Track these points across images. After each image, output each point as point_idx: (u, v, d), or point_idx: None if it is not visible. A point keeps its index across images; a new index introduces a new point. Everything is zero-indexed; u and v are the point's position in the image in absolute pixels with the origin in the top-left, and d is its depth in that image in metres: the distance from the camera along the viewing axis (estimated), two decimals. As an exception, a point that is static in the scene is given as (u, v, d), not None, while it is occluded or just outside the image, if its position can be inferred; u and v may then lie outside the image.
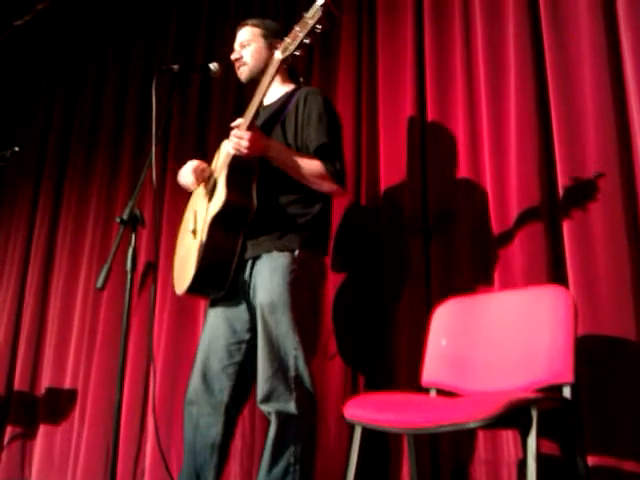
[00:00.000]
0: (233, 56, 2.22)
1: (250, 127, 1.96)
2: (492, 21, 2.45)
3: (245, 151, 1.93)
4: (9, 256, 4.23)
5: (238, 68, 2.22)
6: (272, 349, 1.89)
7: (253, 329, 2.01)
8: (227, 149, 2.01)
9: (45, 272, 3.97)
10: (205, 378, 2.01)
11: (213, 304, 2.12)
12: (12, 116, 4.73)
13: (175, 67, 2.06)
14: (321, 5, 1.80)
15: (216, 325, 2.07)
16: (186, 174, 2.21)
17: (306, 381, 1.89)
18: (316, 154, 2.01)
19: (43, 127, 4.42)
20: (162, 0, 3.99)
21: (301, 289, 1.94)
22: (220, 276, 1.99)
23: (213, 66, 2.13)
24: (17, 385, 3.77)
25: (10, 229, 4.33)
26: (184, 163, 3.32)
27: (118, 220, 1.80)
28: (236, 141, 1.93)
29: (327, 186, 2.02)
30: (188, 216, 2.23)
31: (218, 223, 1.97)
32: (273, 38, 2.19)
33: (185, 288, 2.03)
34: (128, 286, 1.78)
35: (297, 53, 1.92)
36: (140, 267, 3.35)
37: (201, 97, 3.51)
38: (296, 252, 1.96)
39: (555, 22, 2.26)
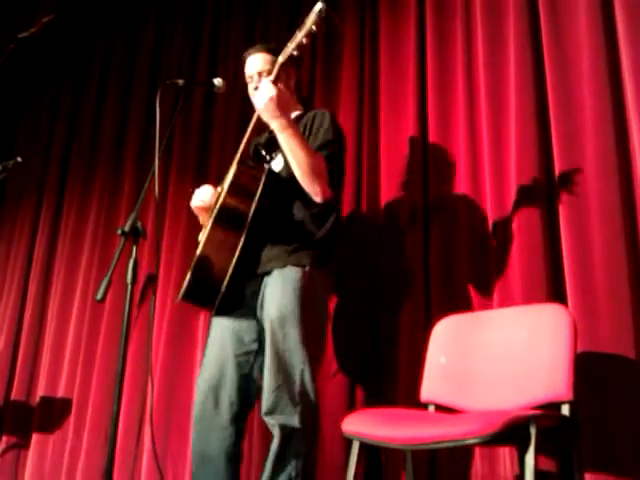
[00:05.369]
0: (254, 86, 2.19)
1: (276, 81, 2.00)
2: (493, 34, 2.48)
3: (267, 99, 1.94)
4: (10, 266, 4.22)
5: None
6: (279, 362, 1.89)
7: (260, 340, 2.01)
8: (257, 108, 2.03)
9: (44, 282, 3.97)
10: (213, 390, 2.01)
11: (218, 314, 2.11)
12: (15, 127, 4.75)
13: (180, 81, 2.08)
14: (319, 9, 1.89)
15: (223, 337, 2.07)
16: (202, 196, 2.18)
17: (311, 395, 1.89)
18: None
19: (47, 138, 4.43)
20: (167, 12, 4.03)
21: (311, 304, 1.95)
22: (211, 288, 1.95)
23: (217, 81, 2.14)
24: (14, 395, 3.75)
25: (12, 239, 4.33)
26: (186, 175, 3.39)
27: (119, 232, 1.79)
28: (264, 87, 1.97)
29: (319, 185, 1.97)
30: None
31: (216, 229, 1.97)
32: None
33: (180, 295, 2.02)
34: (128, 298, 1.78)
35: (295, 53, 1.98)
36: (140, 279, 3.35)
37: (204, 110, 3.53)
38: (307, 268, 1.97)
39: (555, 35, 2.30)
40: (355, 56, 2.96)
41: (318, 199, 2.00)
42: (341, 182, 2.15)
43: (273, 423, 1.88)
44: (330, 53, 3.06)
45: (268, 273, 1.99)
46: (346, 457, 1.79)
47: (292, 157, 1.96)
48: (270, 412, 1.88)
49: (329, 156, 2.03)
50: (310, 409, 1.89)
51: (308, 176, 1.96)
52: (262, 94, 1.97)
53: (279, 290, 1.94)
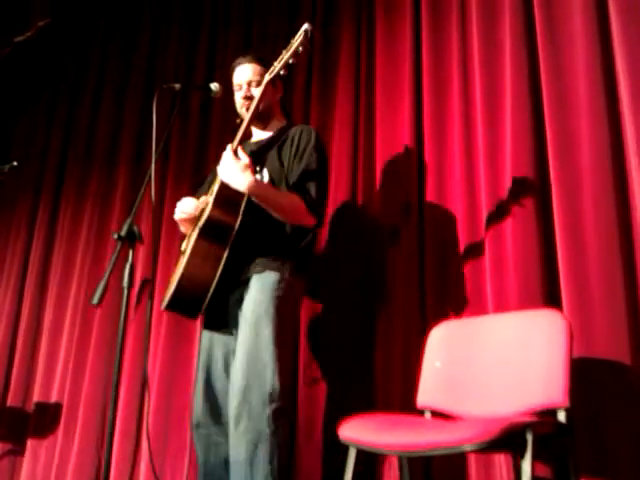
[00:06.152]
0: (244, 95, 2.22)
1: (236, 150, 2.04)
2: (488, 33, 2.48)
3: (224, 178, 1.99)
4: (6, 270, 4.20)
5: (247, 106, 2.20)
6: (250, 361, 1.89)
7: None
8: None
9: (40, 287, 3.95)
10: (208, 399, 2.03)
11: (207, 326, 2.13)
12: (11, 131, 4.73)
13: (176, 86, 2.10)
14: (305, 30, 1.95)
15: (212, 347, 2.10)
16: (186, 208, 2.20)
17: (281, 396, 1.87)
18: (299, 186, 2.07)
19: (42, 142, 4.42)
20: (163, 16, 4.02)
21: (285, 306, 1.99)
22: (194, 299, 1.98)
23: (214, 86, 2.16)
24: (10, 401, 3.73)
25: (8, 243, 4.31)
26: (184, 180, 3.39)
27: (116, 236, 1.80)
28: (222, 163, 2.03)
29: (305, 220, 2.06)
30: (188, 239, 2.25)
31: (201, 241, 2.00)
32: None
33: (163, 305, 2.07)
34: (124, 302, 1.78)
35: (282, 72, 2.05)
36: (136, 283, 3.34)
37: (201, 114, 3.53)
38: (285, 274, 2.02)
39: (550, 33, 2.30)
40: (352, 55, 2.97)
41: (310, 228, 2.10)
42: (324, 203, 2.18)
43: (240, 427, 1.82)
44: (327, 52, 3.08)
45: (249, 280, 2.02)
46: (340, 464, 1.77)
47: (272, 211, 2.03)
48: (238, 413, 1.83)
49: (313, 184, 2.07)
50: (280, 410, 1.86)
51: (294, 220, 2.06)
52: (225, 162, 2.02)
53: (257, 292, 1.98)
